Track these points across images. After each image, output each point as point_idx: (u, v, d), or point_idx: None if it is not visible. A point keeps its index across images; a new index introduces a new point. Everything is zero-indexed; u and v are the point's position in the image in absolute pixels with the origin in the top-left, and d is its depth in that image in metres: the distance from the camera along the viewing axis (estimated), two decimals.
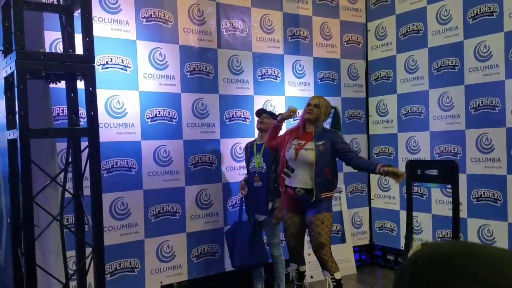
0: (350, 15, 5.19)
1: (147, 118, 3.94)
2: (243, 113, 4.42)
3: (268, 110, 4.18)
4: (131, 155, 3.86)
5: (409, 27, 4.85)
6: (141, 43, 3.92)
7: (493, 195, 4.14)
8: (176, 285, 4.06)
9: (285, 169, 3.52)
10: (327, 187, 3.45)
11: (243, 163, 4.22)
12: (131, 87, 3.87)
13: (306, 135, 3.52)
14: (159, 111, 4.00)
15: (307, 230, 3.59)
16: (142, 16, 3.92)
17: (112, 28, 3.75)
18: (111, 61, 3.75)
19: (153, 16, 3.97)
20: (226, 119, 4.34)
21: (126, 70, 3.84)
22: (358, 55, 5.26)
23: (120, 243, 3.76)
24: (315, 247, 3.47)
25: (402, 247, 4.95)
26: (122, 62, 3.82)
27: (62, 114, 3.42)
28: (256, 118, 4.07)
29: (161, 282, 3.98)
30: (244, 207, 4.05)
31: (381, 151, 5.24)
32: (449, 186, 4.57)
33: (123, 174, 3.81)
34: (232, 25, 4.38)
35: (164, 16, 4.03)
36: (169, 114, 4.05)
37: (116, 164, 3.78)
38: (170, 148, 4.05)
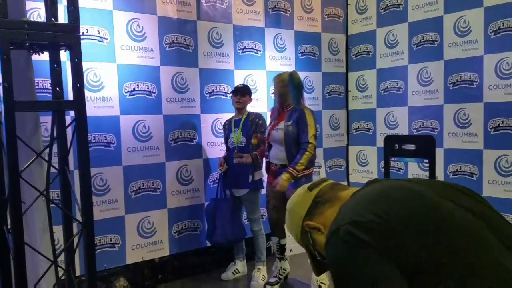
0: None
1: (126, 92, 3.83)
2: (224, 87, 4.34)
3: (242, 86, 4.07)
4: (109, 130, 3.76)
5: (390, 1, 4.83)
6: (118, 14, 3.77)
7: (470, 170, 4.25)
8: (158, 260, 4.04)
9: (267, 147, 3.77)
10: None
11: (223, 139, 4.18)
12: (108, 59, 3.74)
13: (282, 115, 3.65)
14: (137, 85, 3.89)
15: None
16: None
17: None
18: (87, 32, 3.60)
19: None
20: (207, 94, 4.27)
21: (102, 42, 3.70)
22: (338, 29, 5.23)
23: (100, 219, 3.69)
24: None
25: None
26: (99, 33, 3.67)
27: (39, 87, 3.27)
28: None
29: (142, 258, 3.95)
30: (222, 184, 4.03)
31: (360, 127, 5.28)
32: (426, 160, 4.67)
33: (102, 150, 3.71)
34: None
35: None
36: (148, 88, 3.94)
37: (94, 139, 3.67)
38: (149, 123, 3.96)
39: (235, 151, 3.88)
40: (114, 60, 3.76)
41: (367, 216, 1.04)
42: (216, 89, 4.32)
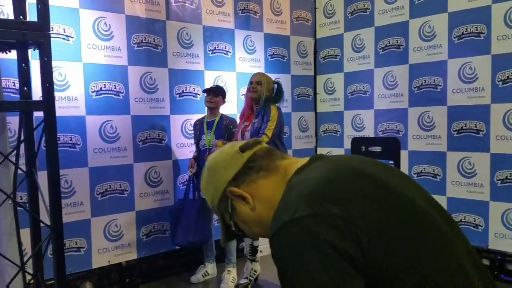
0: None
1: (92, 92, 3.74)
2: (194, 88, 4.31)
3: (215, 86, 4.08)
4: (74, 130, 3.66)
5: (357, 6, 4.93)
6: (85, 12, 3.68)
7: (433, 171, 4.38)
8: (125, 264, 3.96)
9: None
10: None
11: (193, 140, 4.14)
12: (74, 58, 3.64)
13: (251, 116, 3.60)
14: (104, 85, 3.81)
15: None
16: None
17: None
18: (52, 30, 3.48)
19: None
20: (176, 94, 4.22)
21: (68, 40, 3.60)
22: (307, 33, 5.29)
23: (65, 223, 3.54)
24: None
25: None
26: (64, 32, 3.57)
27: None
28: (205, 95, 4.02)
29: (109, 261, 3.86)
30: (192, 185, 3.99)
31: (328, 129, 5.35)
32: (391, 162, 4.79)
33: (67, 151, 3.61)
34: None
35: None
36: (115, 88, 3.86)
37: (59, 140, 3.55)
38: (117, 123, 3.88)
39: (207, 154, 3.85)
40: (80, 59, 3.67)
41: (330, 209, 0.88)
42: (186, 89, 4.28)
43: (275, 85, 3.65)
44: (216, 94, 3.91)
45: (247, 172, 1.06)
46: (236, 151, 1.08)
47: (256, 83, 3.59)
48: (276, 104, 3.71)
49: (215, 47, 4.46)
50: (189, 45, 4.28)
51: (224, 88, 4.25)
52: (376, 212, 0.91)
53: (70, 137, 3.64)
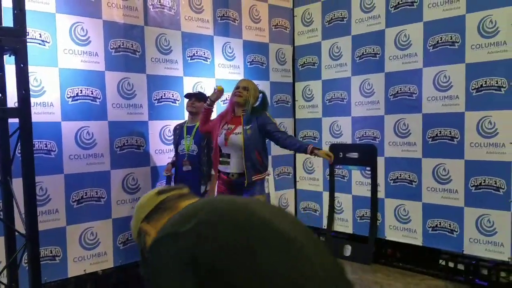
0: None
1: (68, 97, 3.68)
2: (172, 94, 4.28)
3: (198, 92, 4.09)
4: (50, 137, 3.59)
5: (334, 14, 4.99)
6: (61, 17, 3.62)
7: (409, 177, 4.45)
8: (101, 273, 3.89)
9: (221, 159, 3.54)
10: (258, 170, 3.49)
11: (172, 146, 4.11)
12: (50, 63, 3.58)
13: (235, 119, 3.54)
14: (81, 90, 3.75)
15: None
16: None
17: (29, 0, 3.42)
18: (28, 34, 3.40)
19: None
20: (155, 100, 4.18)
21: (44, 45, 3.54)
22: (285, 40, 5.33)
23: (39, 231, 3.47)
24: None
25: (325, 226, 5.18)
26: (40, 37, 3.51)
27: None
28: (186, 100, 4.01)
29: (84, 270, 3.78)
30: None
31: (306, 135, 5.39)
32: (368, 168, 4.86)
33: (42, 158, 3.53)
34: (160, 2, 4.20)
35: None
36: (92, 94, 3.81)
37: (34, 147, 3.47)
38: (93, 129, 3.82)
39: (185, 159, 3.82)
40: (56, 64, 3.60)
41: (188, 228, 1.04)
42: (164, 95, 4.25)
43: (260, 95, 3.65)
44: (199, 99, 3.90)
45: (156, 211, 1.25)
46: (154, 194, 1.29)
47: (242, 88, 3.54)
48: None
49: (194, 53, 4.45)
50: (168, 51, 4.26)
51: (204, 93, 4.22)
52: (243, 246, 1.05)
53: (45, 144, 3.57)
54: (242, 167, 3.46)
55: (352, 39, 4.85)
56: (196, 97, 3.91)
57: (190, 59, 4.42)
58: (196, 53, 4.47)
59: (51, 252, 3.60)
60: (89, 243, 3.82)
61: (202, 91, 4.36)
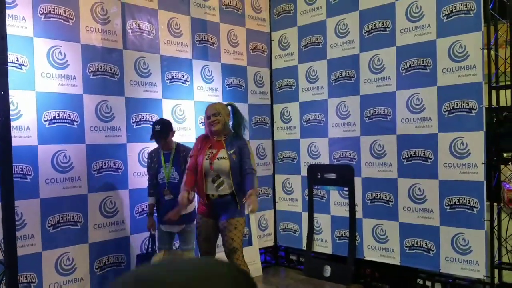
0: (255, 24, 5.34)
1: (45, 121, 3.66)
2: (151, 117, 4.29)
3: (158, 130, 3.73)
4: (26, 160, 3.55)
5: (310, 39, 5.12)
6: (39, 41, 3.63)
7: (386, 197, 4.53)
8: None
9: (213, 180, 3.50)
10: (244, 191, 3.49)
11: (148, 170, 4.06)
12: (27, 87, 3.57)
13: (217, 143, 3.55)
14: (58, 113, 3.73)
15: (220, 234, 3.60)
16: (41, 12, 3.64)
17: (7, 24, 3.40)
18: None
19: (52, 12, 3.71)
20: (133, 122, 4.19)
21: (21, 69, 3.53)
22: (263, 63, 5.42)
23: None
24: (228, 252, 3.49)
25: (304, 247, 5.19)
26: (17, 60, 3.51)
27: None
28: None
29: None
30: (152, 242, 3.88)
31: (285, 156, 5.44)
32: (346, 188, 4.93)
33: (17, 182, 3.44)
34: (139, 26, 4.25)
35: (65, 13, 3.78)
36: (69, 117, 3.80)
37: None
38: (70, 153, 3.79)
39: (166, 188, 3.78)
40: (33, 88, 3.59)
41: None
42: (143, 118, 4.26)
43: (230, 107, 3.66)
44: (164, 136, 3.73)
45: None
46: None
47: (213, 115, 3.53)
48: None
49: (173, 76, 4.49)
50: (147, 74, 4.29)
51: (182, 116, 4.26)
52: None
53: (21, 168, 3.52)
54: (228, 190, 3.47)
55: (328, 63, 4.97)
56: (161, 137, 3.72)
57: (169, 82, 4.46)
58: (175, 76, 4.51)
59: (26, 278, 3.51)
60: (65, 269, 3.75)
61: (181, 113, 4.39)
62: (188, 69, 4.62)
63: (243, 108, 5.12)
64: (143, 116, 4.25)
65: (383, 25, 4.46)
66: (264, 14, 5.43)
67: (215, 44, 4.89)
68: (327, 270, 4.90)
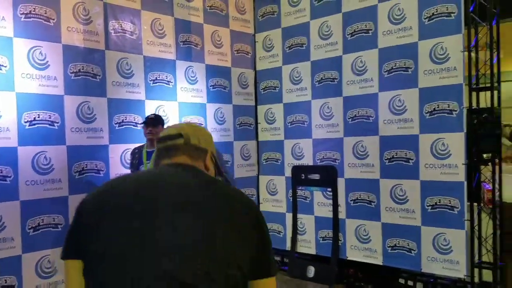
0: (240, 25, 5.34)
1: (25, 122, 3.61)
2: (134, 118, 4.27)
3: (153, 116, 3.95)
4: (5, 162, 3.50)
5: (294, 41, 5.14)
6: (19, 41, 3.59)
7: (368, 198, 4.56)
8: None
9: None
10: None
11: (130, 169, 4.07)
12: (7, 87, 3.52)
13: None
14: (38, 114, 3.69)
15: None
16: (21, 12, 3.60)
17: None
18: None
19: (33, 12, 3.67)
20: (116, 123, 4.16)
21: (1, 69, 3.48)
22: (247, 65, 5.43)
23: None
24: None
25: (288, 247, 5.21)
26: None
27: None
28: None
29: None
30: None
31: (269, 157, 5.45)
32: (329, 189, 4.95)
33: None
34: (121, 26, 4.22)
35: (46, 13, 3.74)
36: (50, 118, 3.75)
37: None
38: (51, 154, 3.75)
39: None
40: (13, 89, 3.55)
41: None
42: (126, 119, 4.23)
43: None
44: (155, 124, 3.86)
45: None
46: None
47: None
48: None
49: (156, 77, 4.46)
50: (130, 75, 4.26)
51: (166, 117, 4.24)
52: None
53: (0, 169, 3.47)
54: None
55: (311, 64, 4.99)
56: (152, 124, 3.83)
57: (152, 83, 4.43)
58: (159, 77, 4.49)
59: (6, 282, 3.46)
60: (45, 272, 3.70)
61: (164, 114, 4.37)
62: (172, 70, 4.60)
63: (227, 109, 5.15)
64: (125, 117, 4.22)
65: (366, 27, 4.50)
66: (248, 16, 5.44)
67: (199, 45, 4.88)
68: (311, 271, 4.92)
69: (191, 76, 4.79)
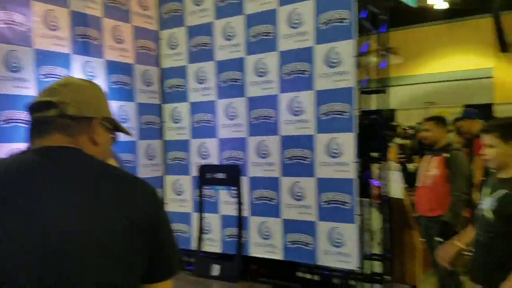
0: (142, 21, 5.22)
1: None
2: (23, 115, 3.99)
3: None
4: None
5: (199, 40, 5.13)
6: None
7: (270, 195, 4.69)
8: None
9: None
10: None
11: None
12: None
13: None
14: None
15: None
16: None
17: None
18: None
19: None
20: (2, 121, 3.87)
21: None
22: (151, 62, 5.32)
23: None
24: None
25: (194, 247, 5.19)
26: None
27: None
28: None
29: None
30: None
31: (176, 157, 5.40)
32: (234, 188, 5.01)
33: None
34: (9, 16, 3.93)
35: None
36: None
37: None
38: None
39: None
40: None
41: None
42: (14, 116, 3.95)
43: None
44: None
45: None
46: None
47: None
48: None
49: (49, 72, 4.22)
50: (18, 69, 3.99)
51: None
52: None
53: None
54: None
55: (216, 64, 5.02)
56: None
57: (44, 77, 4.18)
58: (52, 71, 4.24)
59: None
60: None
61: None
62: (66, 65, 4.37)
63: (130, 107, 5.01)
64: (13, 114, 3.94)
65: (267, 30, 4.62)
66: (152, 12, 5.33)
67: (98, 39, 4.69)
68: (216, 269, 4.94)
69: (89, 72, 4.59)
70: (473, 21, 13.08)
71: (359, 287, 4.34)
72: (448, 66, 14.02)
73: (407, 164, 5.17)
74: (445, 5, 11.36)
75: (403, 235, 4.74)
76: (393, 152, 5.96)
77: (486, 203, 2.53)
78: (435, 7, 11.30)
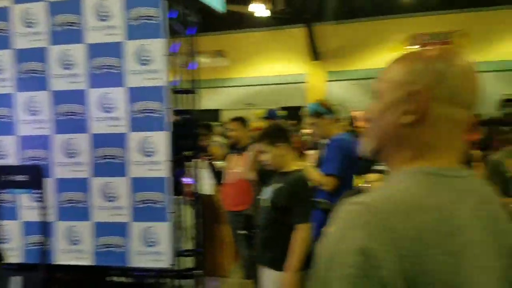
0: None
1: None
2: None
3: None
4: None
5: None
6: None
7: (79, 198, 4.39)
8: None
9: None
10: None
11: None
12: None
13: None
14: None
15: None
16: None
17: None
18: None
19: None
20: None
21: None
22: None
23: None
24: None
25: None
26: None
27: None
28: None
29: None
30: None
31: None
32: (37, 190, 4.55)
33: None
34: None
35: None
36: None
37: None
38: None
39: None
40: None
41: None
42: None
43: None
44: None
45: None
46: None
47: None
48: None
49: None
50: None
51: None
52: None
53: None
54: None
55: (14, 53, 4.48)
56: None
57: None
58: None
59: None
60: None
61: None
62: None
63: None
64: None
65: (72, 19, 4.30)
66: None
67: None
68: (17, 282, 4.44)
69: None
70: (292, 30, 14.46)
71: (170, 284, 4.38)
72: (269, 70, 15.25)
73: (214, 162, 5.40)
74: (267, 13, 12.23)
75: (214, 230, 4.95)
76: (215, 150, 6.17)
77: (266, 193, 2.87)
78: (256, 14, 12.09)
